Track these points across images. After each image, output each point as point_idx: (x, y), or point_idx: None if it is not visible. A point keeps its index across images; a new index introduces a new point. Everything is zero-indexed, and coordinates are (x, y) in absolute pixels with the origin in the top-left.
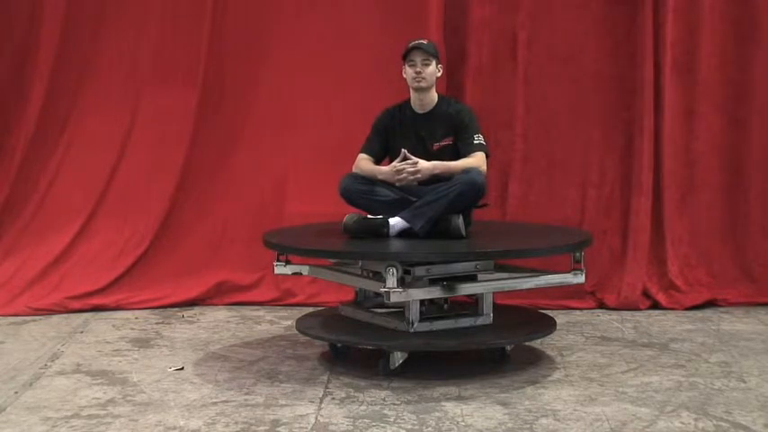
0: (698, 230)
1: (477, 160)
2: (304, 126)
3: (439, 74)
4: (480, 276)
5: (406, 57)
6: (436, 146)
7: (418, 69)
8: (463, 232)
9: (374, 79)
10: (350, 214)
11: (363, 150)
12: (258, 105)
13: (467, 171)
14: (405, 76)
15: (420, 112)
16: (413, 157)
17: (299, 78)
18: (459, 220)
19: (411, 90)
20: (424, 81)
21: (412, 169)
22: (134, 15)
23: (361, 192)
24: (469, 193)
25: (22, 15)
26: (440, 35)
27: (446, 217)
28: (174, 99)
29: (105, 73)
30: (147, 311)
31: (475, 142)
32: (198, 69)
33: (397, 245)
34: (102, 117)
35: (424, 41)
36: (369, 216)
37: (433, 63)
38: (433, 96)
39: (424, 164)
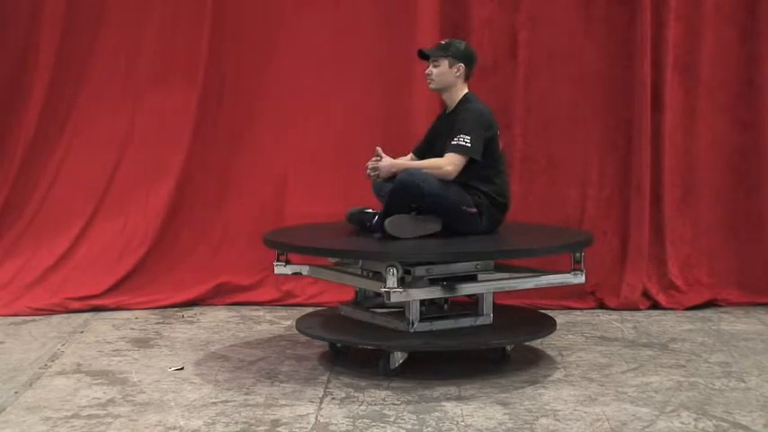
0: (698, 230)
1: (439, 160)
2: (304, 126)
3: (456, 72)
4: (480, 276)
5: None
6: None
7: (427, 71)
8: (391, 232)
9: (374, 79)
10: (356, 206)
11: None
12: (258, 105)
13: (405, 171)
14: None
15: (448, 111)
16: (382, 155)
17: (299, 78)
18: (387, 221)
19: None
20: (433, 82)
21: (372, 165)
22: (134, 15)
23: (375, 186)
24: (398, 193)
25: (23, 15)
26: (437, 35)
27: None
28: (174, 99)
29: (105, 73)
30: (147, 311)
31: (452, 143)
32: (198, 69)
33: (397, 245)
34: (102, 117)
35: (443, 42)
36: (368, 210)
37: (444, 63)
38: (456, 96)
39: (384, 161)
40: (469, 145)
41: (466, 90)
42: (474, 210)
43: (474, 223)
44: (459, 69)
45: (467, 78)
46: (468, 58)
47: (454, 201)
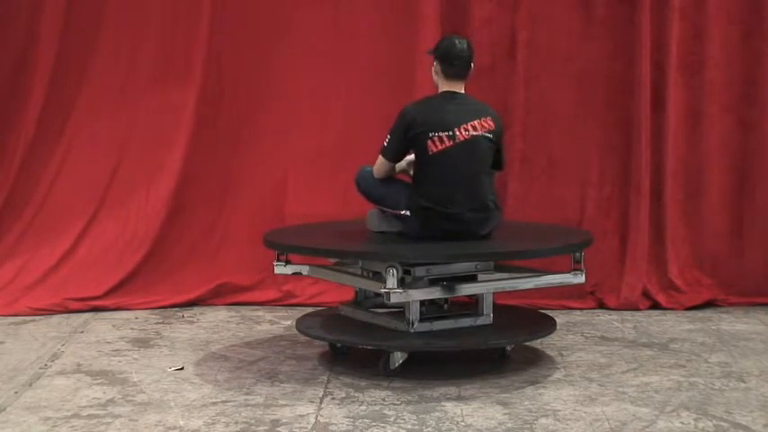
0: (699, 231)
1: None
2: (304, 126)
3: (435, 70)
4: (480, 276)
5: None
6: None
7: None
8: (368, 225)
9: (374, 79)
10: None
11: None
12: (258, 105)
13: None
14: None
15: None
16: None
17: (299, 78)
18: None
19: None
20: None
21: None
22: (134, 15)
23: None
24: None
25: (23, 15)
26: (437, 35)
27: None
28: (173, 99)
29: (105, 73)
30: (147, 312)
31: None
32: (198, 69)
33: (397, 245)
34: (102, 117)
35: None
36: None
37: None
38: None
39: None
40: (385, 144)
41: (445, 88)
42: (402, 211)
43: (405, 224)
44: (435, 67)
45: (447, 76)
46: (439, 56)
47: (377, 200)
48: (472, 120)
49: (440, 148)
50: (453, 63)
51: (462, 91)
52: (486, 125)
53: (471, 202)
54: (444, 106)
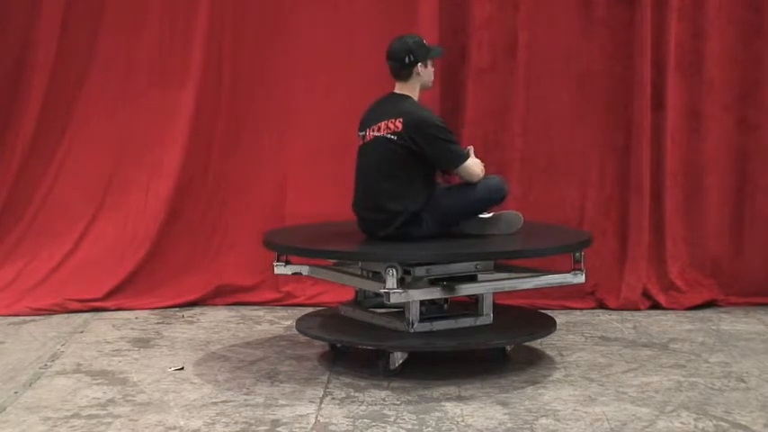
0: (699, 231)
1: None
2: (304, 126)
3: None
4: (480, 276)
5: (434, 57)
6: None
7: None
8: None
9: (374, 79)
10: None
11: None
12: (258, 106)
13: None
14: (429, 76)
15: None
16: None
17: (298, 78)
18: None
19: (423, 91)
20: None
21: None
22: (133, 15)
23: None
24: None
25: (22, 15)
26: (437, 34)
27: None
28: (173, 99)
29: (104, 73)
30: (147, 312)
31: None
32: (197, 70)
33: (396, 245)
34: (102, 117)
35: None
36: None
37: None
38: None
39: None
40: None
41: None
42: None
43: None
44: None
45: (391, 76)
46: None
47: None
48: (381, 121)
49: (358, 146)
50: (387, 63)
51: (404, 91)
52: (391, 126)
53: (367, 202)
54: (373, 106)
